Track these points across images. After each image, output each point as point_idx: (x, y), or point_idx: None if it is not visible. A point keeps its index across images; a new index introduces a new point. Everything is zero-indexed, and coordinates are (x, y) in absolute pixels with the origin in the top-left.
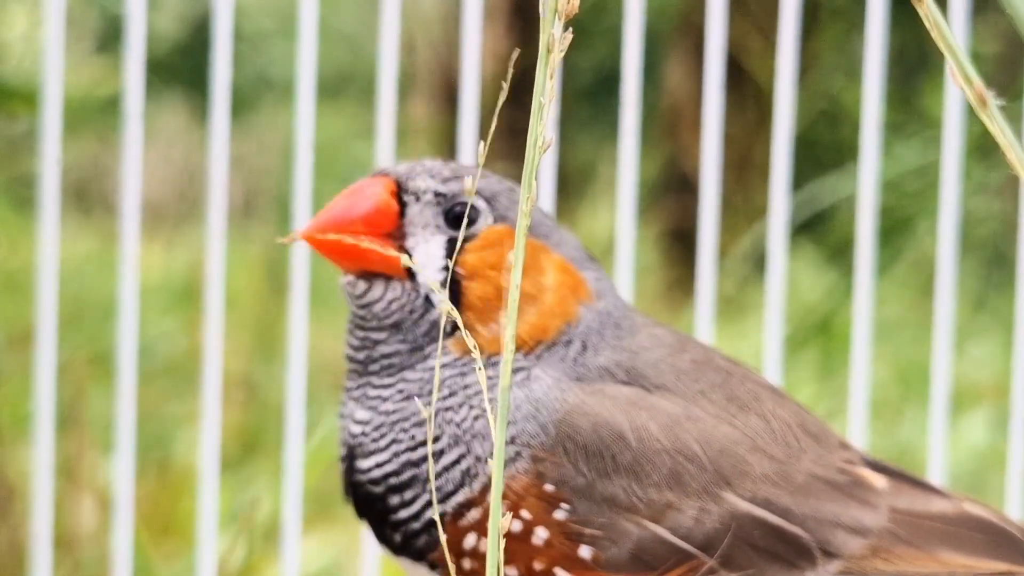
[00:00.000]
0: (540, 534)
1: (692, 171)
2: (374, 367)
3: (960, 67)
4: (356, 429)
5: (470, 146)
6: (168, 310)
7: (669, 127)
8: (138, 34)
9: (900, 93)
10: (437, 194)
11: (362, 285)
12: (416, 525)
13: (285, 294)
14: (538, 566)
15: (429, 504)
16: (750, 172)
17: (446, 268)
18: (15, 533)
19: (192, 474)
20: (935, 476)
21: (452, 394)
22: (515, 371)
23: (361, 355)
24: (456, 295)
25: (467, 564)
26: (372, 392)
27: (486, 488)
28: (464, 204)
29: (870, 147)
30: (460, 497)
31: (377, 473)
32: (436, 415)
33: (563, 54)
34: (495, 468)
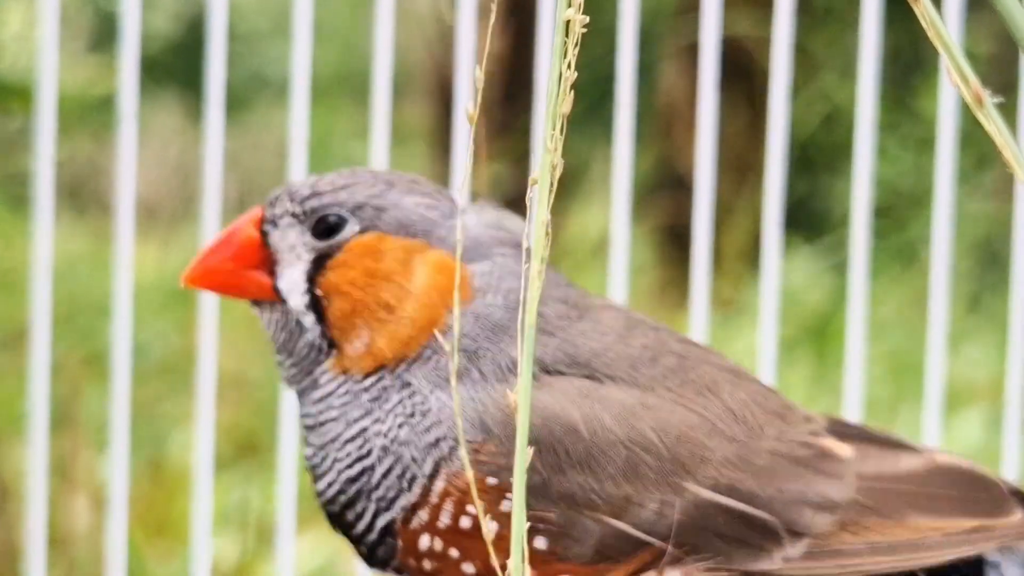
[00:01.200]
0: (491, 527)
1: (687, 170)
2: (292, 388)
3: (956, 66)
4: (308, 452)
5: (464, 144)
6: (163, 309)
7: (664, 126)
8: (133, 33)
9: (895, 93)
10: (294, 215)
11: (257, 311)
12: (372, 536)
13: None
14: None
15: (377, 514)
16: (746, 172)
17: (310, 290)
18: (10, 532)
19: (186, 473)
20: None
21: (368, 413)
22: (366, 390)
23: (282, 375)
24: (324, 316)
25: (428, 565)
26: (308, 415)
27: (425, 490)
28: (327, 217)
29: (864, 147)
30: (403, 501)
31: (330, 493)
32: (361, 434)
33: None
34: (517, 459)
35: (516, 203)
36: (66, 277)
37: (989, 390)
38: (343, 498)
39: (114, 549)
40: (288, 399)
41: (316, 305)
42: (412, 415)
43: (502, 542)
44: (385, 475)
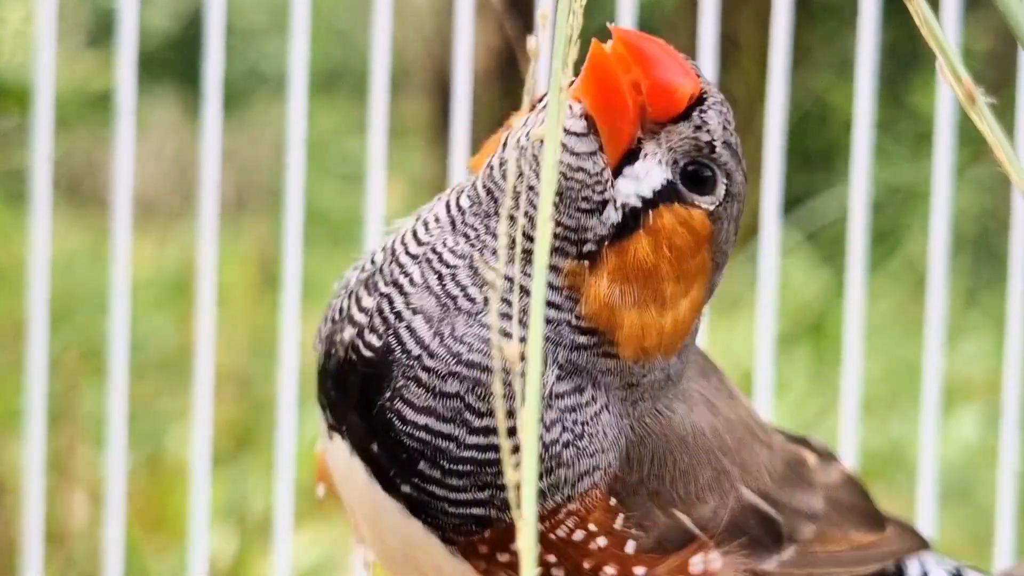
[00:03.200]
0: (599, 542)
1: None
2: (494, 206)
3: (949, 64)
4: (410, 343)
5: (462, 141)
6: (160, 305)
7: None
8: (130, 29)
9: (890, 90)
10: (708, 144)
11: (580, 124)
12: (452, 510)
13: (277, 289)
14: (587, 565)
15: (479, 504)
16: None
17: (645, 203)
18: (7, 528)
19: (184, 469)
20: (926, 473)
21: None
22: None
23: (497, 193)
24: (623, 232)
25: (504, 558)
26: (458, 292)
27: (557, 508)
28: (701, 166)
29: (862, 145)
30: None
31: (424, 436)
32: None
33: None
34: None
35: None
36: (63, 273)
37: (986, 387)
38: (441, 461)
39: (111, 544)
40: (286, 395)
41: (628, 221)
42: (582, 436)
43: (602, 552)
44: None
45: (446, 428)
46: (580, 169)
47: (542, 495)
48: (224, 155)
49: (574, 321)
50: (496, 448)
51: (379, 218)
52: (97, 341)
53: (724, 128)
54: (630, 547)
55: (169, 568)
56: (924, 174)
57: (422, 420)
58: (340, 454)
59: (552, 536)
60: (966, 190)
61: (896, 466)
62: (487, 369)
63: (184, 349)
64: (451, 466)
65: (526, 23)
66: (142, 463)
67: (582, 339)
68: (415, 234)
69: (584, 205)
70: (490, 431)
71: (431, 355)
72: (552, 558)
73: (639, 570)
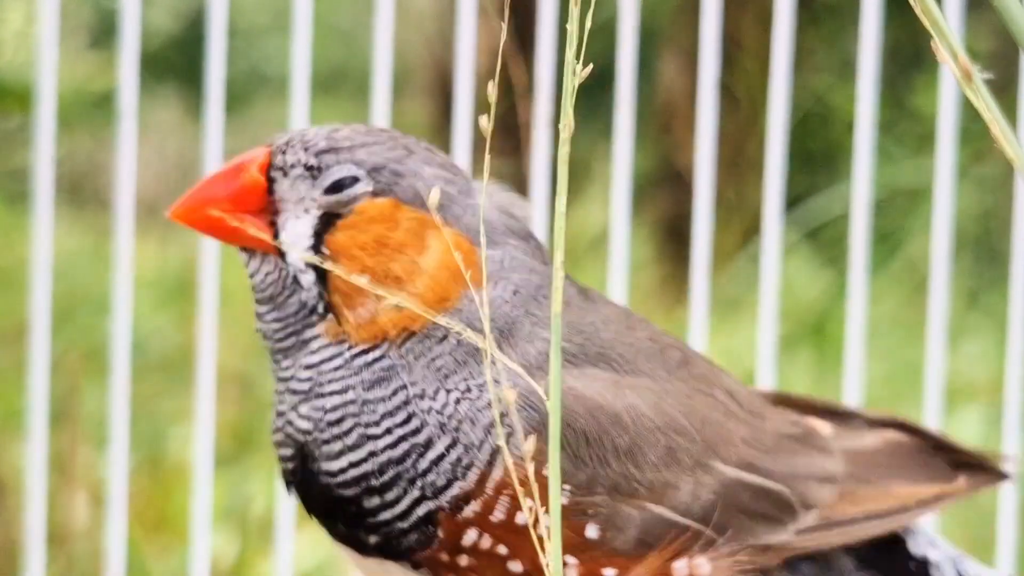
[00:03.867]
0: (546, 522)
1: (686, 167)
2: (268, 343)
3: (945, 41)
4: (303, 424)
5: (464, 141)
6: (162, 305)
7: (663, 123)
8: (132, 29)
9: (891, 92)
10: (307, 167)
11: (243, 256)
12: (403, 524)
13: None
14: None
15: (418, 501)
16: (742, 167)
17: (315, 247)
18: (8, 528)
19: (186, 470)
20: None
21: (403, 385)
22: (375, 362)
23: (258, 327)
24: (325, 276)
25: (464, 561)
26: (296, 379)
27: (483, 478)
28: (342, 177)
29: (864, 146)
30: (455, 490)
31: (352, 473)
32: (403, 407)
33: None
34: (551, 450)
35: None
36: (65, 273)
37: (988, 387)
38: (373, 481)
39: (113, 545)
40: None
41: (319, 268)
42: (469, 390)
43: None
44: (440, 458)
45: (361, 453)
46: (266, 275)
47: (459, 468)
48: (226, 155)
49: (359, 352)
50: (405, 438)
51: None
52: (99, 341)
53: (305, 149)
54: (591, 532)
55: (170, 569)
56: (926, 174)
57: (344, 463)
58: (342, 554)
59: (492, 519)
60: (968, 191)
61: None
62: (356, 400)
63: (186, 350)
64: (381, 480)
65: (524, 23)
66: (144, 464)
67: (372, 352)
68: None
69: (284, 295)
70: (392, 431)
71: (320, 421)
72: (503, 549)
73: (609, 571)
